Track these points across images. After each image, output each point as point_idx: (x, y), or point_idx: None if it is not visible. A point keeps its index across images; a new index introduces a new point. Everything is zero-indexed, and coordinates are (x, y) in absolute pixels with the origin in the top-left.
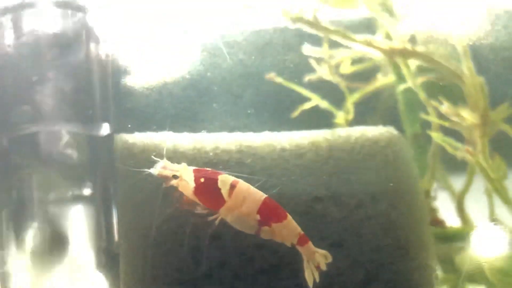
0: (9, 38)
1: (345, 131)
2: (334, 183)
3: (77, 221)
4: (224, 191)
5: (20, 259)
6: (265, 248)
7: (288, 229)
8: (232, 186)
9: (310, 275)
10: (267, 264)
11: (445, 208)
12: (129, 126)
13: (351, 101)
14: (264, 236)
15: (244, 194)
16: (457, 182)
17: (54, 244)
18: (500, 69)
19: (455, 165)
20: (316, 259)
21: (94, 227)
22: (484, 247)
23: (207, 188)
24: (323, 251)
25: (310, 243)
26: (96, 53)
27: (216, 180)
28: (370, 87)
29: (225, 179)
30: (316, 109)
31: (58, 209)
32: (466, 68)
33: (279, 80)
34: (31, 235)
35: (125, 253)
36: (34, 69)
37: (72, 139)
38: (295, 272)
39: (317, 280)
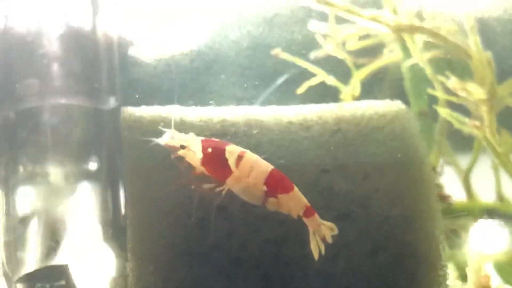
0: (14, 12)
1: (352, 105)
2: (341, 155)
3: (85, 193)
4: (232, 162)
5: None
6: (272, 219)
7: (294, 201)
8: (240, 157)
9: (316, 247)
10: (273, 235)
11: (451, 185)
12: (137, 97)
13: (357, 77)
14: (270, 207)
15: (251, 165)
16: (463, 161)
17: (63, 216)
18: (508, 41)
19: (462, 143)
20: (322, 231)
21: (100, 200)
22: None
23: (215, 158)
24: (329, 223)
25: (316, 215)
26: (103, 25)
27: (223, 150)
28: (376, 64)
29: (232, 149)
30: (322, 84)
31: (66, 181)
32: (473, 43)
33: (284, 55)
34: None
35: (133, 224)
36: (39, 42)
37: (79, 112)
38: (302, 243)
39: (323, 252)
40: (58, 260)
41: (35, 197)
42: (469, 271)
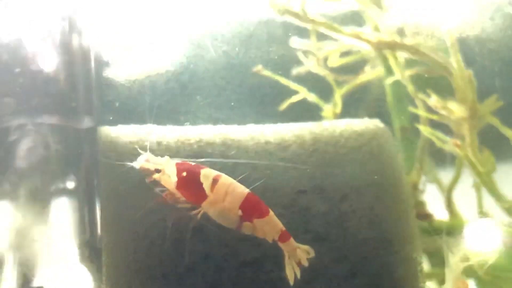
0: None
1: (330, 124)
2: (319, 176)
3: (60, 214)
4: (206, 185)
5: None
6: (248, 241)
7: (270, 225)
8: (215, 181)
9: (291, 272)
10: (250, 257)
11: (433, 202)
12: (111, 118)
13: (339, 94)
14: (245, 231)
15: (227, 189)
16: (446, 176)
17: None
18: (486, 61)
19: (444, 159)
20: (297, 255)
21: (77, 220)
22: (474, 242)
23: (189, 182)
24: (305, 247)
25: (291, 240)
26: (78, 45)
27: (198, 174)
28: (358, 80)
29: (207, 173)
30: (302, 102)
31: (42, 201)
32: (455, 60)
33: (266, 73)
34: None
35: (108, 246)
36: (15, 60)
37: (55, 131)
38: (279, 266)
39: (298, 276)
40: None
41: (10, 218)
42: (448, 277)
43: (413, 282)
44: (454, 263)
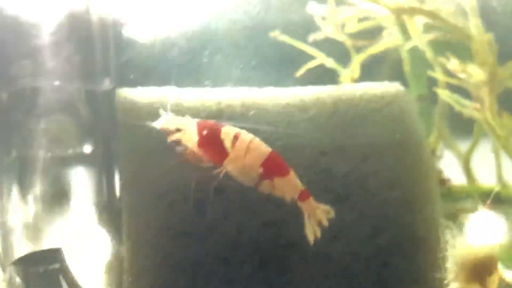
0: None
1: (350, 87)
2: (339, 137)
3: (79, 177)
4: (227, 143)
5: (22, 213)
6: (269, 202)
7: (289, 185)
8: (235, 137)
9: (311, 231)
10: (271, 217)
11: (451, 169)
12: (131, 77)
13: (357, 59)
14: (264, 190)
15: (248, 145)
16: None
17: (57, 199)
18: (509, 22)
19: (462, 127)
20: (317, 215)
21: (95, 183)
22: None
23: (210, 140)
24: (325, 207)
25: (311, 199)
26: (96, 5)
27: (219, 132)
28: (376, 47)
29: (228, 130)
30: (320, 67)
31: (60, 165)
32: (474, 24)
33: (283, 38)
34: (33, 191)
35: (128, 207)
36: (32, 23)
37: (73, 94)
38: (300, 226)
39: (318, 235)
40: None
41: (29, 180)
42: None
43: (435, 242)
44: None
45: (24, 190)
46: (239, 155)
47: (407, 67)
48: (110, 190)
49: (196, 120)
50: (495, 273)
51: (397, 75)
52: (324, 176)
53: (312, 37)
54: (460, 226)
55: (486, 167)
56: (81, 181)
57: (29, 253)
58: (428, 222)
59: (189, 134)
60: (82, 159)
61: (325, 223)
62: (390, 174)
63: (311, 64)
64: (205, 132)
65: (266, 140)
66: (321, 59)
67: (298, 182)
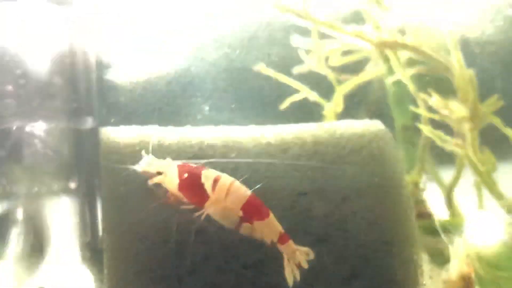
0: None
1: (331, 125)
2: (319, 178)
3: (62, 215)
4: (208, 186)
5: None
6: (249, 244)
7: (269, 228)
8: (215, 181)
9: (290, 274)
10: (251, 259)
11: (434, 201)
12: (113, 120)
13: (340, 93)
14: (243, 232)
15: (228, 188)
16: (447, 175)
17: (39, 238)
18: (486, 62)
19: (445, 158)
20: (297, 258)
21: (78, 221)
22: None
23: (191, 183)
24: (305, 249)
25: (290, 242)
26: (80, 48)
27: (199, 175)
28: (359, 79)
29: (208, 174)
30: (303, 103)
31: (43, 203)
32: (456, 60)
33: (268, 71)
34: (14, 230)
35: (109, 248)
36: (17, 62)
37: (57, 132)
38: (279, 268)
39: (298, 278)
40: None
41: (12, 219)
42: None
43: (414, 284)
44: (459, 247)
45: (7, 228)
46: (219, 198)
47: (391, 100)
48: (93, 228)
49: (177, 163)
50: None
51: (382, 108)
52: (304, 217)
53: (296, 70)
54: (440, 260)
55: (469, 198)
56: (64, 219)
57: None
58: (408, 264)
59: (170, 177)
60: (65, 197)
61: (305, 265)
62: (370, 216)
63: (295, 97)
64: (185, 175)
65: (246, 180)
66: (305, 93)
67: (277, 225)
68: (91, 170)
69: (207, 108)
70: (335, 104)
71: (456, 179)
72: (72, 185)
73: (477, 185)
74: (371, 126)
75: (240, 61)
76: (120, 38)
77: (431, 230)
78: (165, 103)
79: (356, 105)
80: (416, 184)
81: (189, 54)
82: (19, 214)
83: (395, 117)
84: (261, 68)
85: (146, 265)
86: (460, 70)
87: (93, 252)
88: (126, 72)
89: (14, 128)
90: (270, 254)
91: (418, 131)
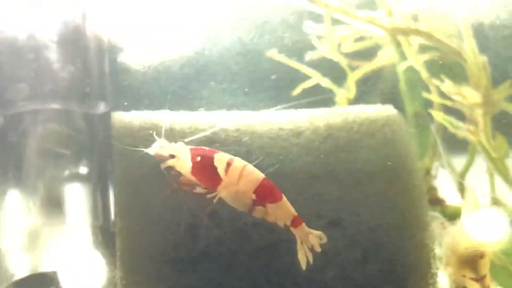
0: (4, 16)
1: (343, 110)
2: (332, 162)
3: (75, 199)
4: (221, 169)
5: (17, 237)
6: (262, 227)
7: (282, 211)
8: (228, 164)
9: (303, 257)
10: (264, 242)
11: (446, 187)
12: (126, 104)
13: (352, 79)
14: (256, 215)
15: (241, 172)
16: (459, 162)
17: (52, 222)
18: (500, 48)
19: (458, 145)
20: (310, 241)
21: (90, 205)
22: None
23: (204, 167)
24: (318, 232)
25: (303, 225)
26: (93, 31)
27: (212, 159)
28: (371, 66)
29: (221, 157)
30: (316, 88)
31: (56, 186)
32: (469, 46)
33: (280, 57)
34: (29, 213)
35: (122, 232)
36: (30, 47)
37: (69, 117)
38: (292, 250)
39: (311, 261)
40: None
41: (24, 203)
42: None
43: (426, 268)
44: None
45: (20, 212)
46: (232, 182)
47: (402, 86)
48: (105, 212)
49: (189, 146)
50: (486, 257)
51: (394, 94)
52: (316, 201)
53: (308, 57)
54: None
55: (482, 185)
56: (76, 204)
57: (25, 277)
58: (420, 247)
59: (182, 161)
60: (77, 181)
61: (318, 248)
62: (382, 200)
63: (307, 84)
64: (198, 159)
65: (259, 164)
66: (317, 79)
67: (290, 208)
68: (103, 155)
69: (220, 91)
70: (348, 90)
71: (468, 165)
72: (84, 170)
73: (490, 171)
74: (384, 110)
75: (253, 44)
76: (133, 21)
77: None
78: (178, 86)
79: (368, 91)
80: (428, 171)
81: (202, 38)
82: (32, 197)
83: (406, 103)
84: (273, 54)
85: (159, 248)
86: (473, 56)
87: (105, 236)
88: (140, 55)
89: (26, 112)
90: (282, 237)
91: (430, 117)
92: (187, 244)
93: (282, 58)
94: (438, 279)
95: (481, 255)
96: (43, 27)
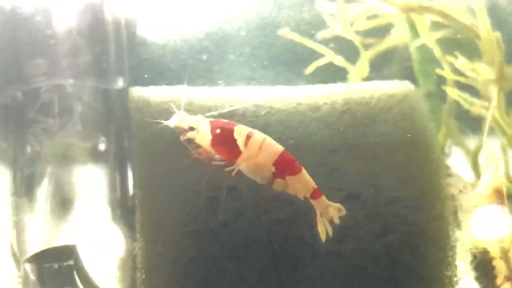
0: None
1: (361, 86)
2: (350, 135)
3: (93, 174)
4: (240, 142)
5: (35, 210)
6: (281, 199)
7: (302, 183)
8: (248, 137)
9: (323, 229)
10: (283, 214)
11: (459, 165)
12: (145, 76)
13: (365, 57)
14: (276, 188)
15: (260, 145)
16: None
17: (70, 197)
18: None
19: (471, 124)
20: (329, 213)
21: (109, 180)
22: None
23: (223, 139)
24: (337, 205)
25: (323, 197)
26: (110, 4)
27: (232, 131)
28: (385, 44)
29: (241, 129)
30: (331, 65)
31: (74, 162)
32: (482, 23)
33: (292, 36)
34: (46, 188)
35: (142, 204)
36: (47, 22)
37: (87, 92)
38: (311, 223)
39: (330, 234)
40: (66, 240)
41: (43, 177)
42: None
43: (445, 240)
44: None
45: (39, 187)
46: (252, 154)
47: (416, 65)
48: (123, 187)
49: (209, 119)
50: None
51: (407, 72)
52: (335, 174)
53: (321, 35)
54: None
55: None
56: (94, 179)
57: (44, 250)
58: (438, 220)
59: (202, 133)
60: (95, 156)
61: (337, 221)
62: (401, 173)
63: (320, 62)
64: (218, 131)
65: (277, 138)
66: (331, 57)
67: (310, 180)
68: (121, 129)
69: (239, 65)
70: (361, 68)
71: (482, 142)
72: (102, 144)
73: (503, 148)
74: (401, 86)
75: (271, 18)
76: None
77: None
78: (197, 60)
79: (381, 68)
80: (441, 149)
81: (221, 12)
82: (48, 172)
83: (420, 82)
84: (285, 32)
85: (178, 221)
86: (486, 33)
87: (123, 210)
88: (158, 28)
89: (44, 88)
90: (301, 210)
91: (443, 96)
92: (207, 216)
93: (294, 36)
94: (456, 251)
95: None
96: (60, 1)
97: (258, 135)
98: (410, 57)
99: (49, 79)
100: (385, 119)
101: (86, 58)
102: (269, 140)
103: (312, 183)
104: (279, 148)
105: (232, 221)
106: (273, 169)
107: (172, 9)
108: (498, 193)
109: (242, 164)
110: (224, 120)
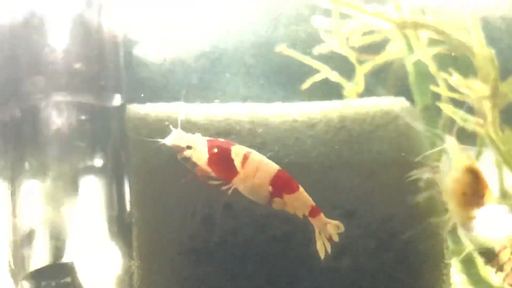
0: (20, 8)
1: (357, 102)
2: (346, 153)
3: (90, 191)
4: (237, 162)
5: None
6: (278, 217)
7: (300, 201)
8: (245, 157)
9: (321, 247)
10: (279, 232)
11: None
12: (142, 95)
13: (361, 72)
14: (275, 207)
15: (257, 165)
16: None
17: (67, 213)
18: (508, 40)
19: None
20: (328, 230)
21: (106, 197)
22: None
23: (221, 159)
24: (336, 222)
25: (321, 215)
26: (108, 23)
27: (229, 151)
28: (380, 59)
29: (238, 150)
30: (327, 81)
31: (71, 178)
32: (477, 39)
33: (289, 52)
34: (45, 204)
35: (138, 222)
36: (45, 39)
37: (84, 109)
38: (307, 241)
39: (329, 251)
40: (64, 258)
41: (41, 195)
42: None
43: (439, 258)
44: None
45: (36, 203)
46: (249, 175)
47: (411, 80)
48: (120, 203)
49: (206, 137)
50: (487, 194)
51: (402, 87)
52: (331, 192)
53: (316, 51)
54: None
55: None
56: (91, 195)
57: (41, 267)
58: (433, 237)
59: (199, 152)
60: (93, 173)
61: (335, 238)
62: (396, 190)
63: (316, 78)
64: (215, 150)
65: (273, 156)
66: (326, 72)
67: (308, 198)
68: (118, 147)
69: (235, 84)
70: (356, 84)
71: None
72: (100, 161)
73: (498, 164)
74: (396, 103)
75: (267, 37)
76: (149, 14)
77: None
78: (193, 79)
79: (376, 84)
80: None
81: (217, 31)
82: (48, 189)
83: (416, 97)
84: (282, 48)
85: (174, 239)
86: (481, 49)
87: (120, 227)
88: (155, 48)
89: (42, 104)
90: (298, 227)
91: (438, 111)
92: (203, 235)
93: (291, 52)
94: (451, 269)
95: (482, 194)
96: (59, 19)
97: (256, 156)
98: (406, 73)
99: (46, 97)
100: (380, 136)
101: (83, 76)
102: (265, 160)
103: (310, 201)
104: (275, 166)
105: (229, 240)
106: (270, 188)
107: (169, 28)
108: (471, 172)
109: (239, 185)
110: (222, 139)
